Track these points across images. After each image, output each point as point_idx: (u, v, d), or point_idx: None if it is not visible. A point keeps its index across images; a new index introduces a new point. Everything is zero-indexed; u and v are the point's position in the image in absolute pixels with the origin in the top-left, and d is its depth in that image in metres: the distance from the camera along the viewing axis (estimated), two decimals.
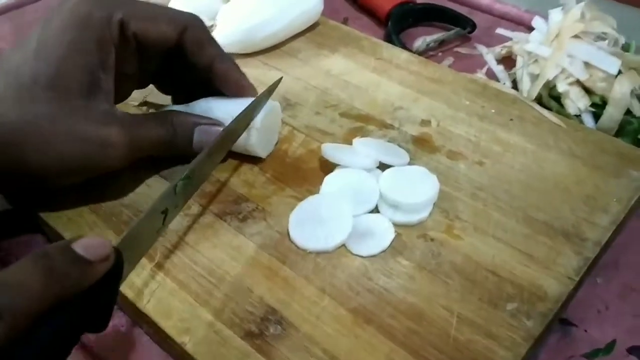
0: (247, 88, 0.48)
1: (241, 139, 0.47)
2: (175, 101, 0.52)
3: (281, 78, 0.51)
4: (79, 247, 0.29)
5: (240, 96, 0.47)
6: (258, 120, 0.46)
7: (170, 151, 0.45)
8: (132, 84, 0.48)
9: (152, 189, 0.47)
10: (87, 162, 0.42)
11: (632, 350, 0.40)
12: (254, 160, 0.49)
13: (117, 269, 0.31)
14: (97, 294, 0.30)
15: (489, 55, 0.65)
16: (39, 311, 0.26)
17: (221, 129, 0.45)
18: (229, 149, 0.47)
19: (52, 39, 0.41)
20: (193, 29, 0.46)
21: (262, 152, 0.48)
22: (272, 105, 0.48)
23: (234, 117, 0.45)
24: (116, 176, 0.45)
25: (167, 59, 0.47)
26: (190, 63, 0.47)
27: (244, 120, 0.46)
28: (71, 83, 0.41)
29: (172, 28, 0.45)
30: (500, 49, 0.65)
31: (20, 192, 0.47)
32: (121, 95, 0.47)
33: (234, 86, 0.47)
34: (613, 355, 0.40)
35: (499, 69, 0.63)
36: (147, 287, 0.40)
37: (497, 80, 0.62)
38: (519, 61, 0.60)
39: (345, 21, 0.72)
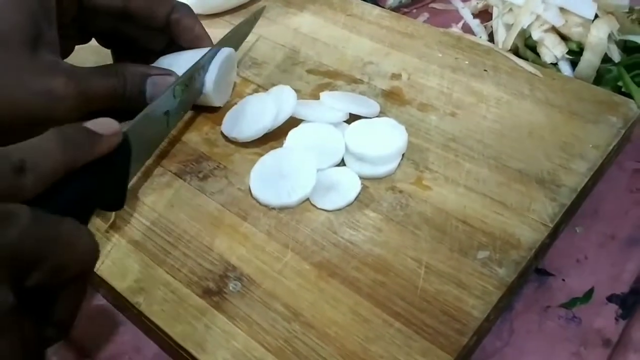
0: (203, 36, 0.46)
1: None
2: (117, 54, 0.51)
3: (264, 7, 0.53)
4: (89, 125, 0.33)
5: (196, 46, 0.46)
6: (212, 69, 0.46)
7: (122, 103, 0.43)
8: (73, 40, 0.47)
9: None
10: (34, 114, 0.40)
11: (611, 298, 0.39)
12: (218, 119, 0.47)
13: (125, 150, 0.35)
14: (109, 171, 0.34)
15: (465, 10, 0.63)
16: (59, 172, 0.30)
17: (174, 78, 0.43)
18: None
19: None
20: None
21: (218, 102, 0.48)
22: (227, 52, 0.47)
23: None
24: None
25: (113, 19, 0.46)
26: (140, 24, 0.46)
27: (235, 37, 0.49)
28: (14, 34, 0.39)
29: None
30: (476, 3, 0.63)
31: None
32: (64, 50, 0.45)
33: (189, 34, 0.46)
34: (591, 303, 0.38)
35: (475, 23, 0.61)
36: (102, 249, 0.38)
37: (473, 34, 0.60)
38: (495, 12, 0.58)
39: None
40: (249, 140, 0.44)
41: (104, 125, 0.34)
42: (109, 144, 0.34)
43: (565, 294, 0.39)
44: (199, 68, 0.45)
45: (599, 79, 0.52)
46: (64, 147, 0.31)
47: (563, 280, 0.40)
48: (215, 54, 0.46)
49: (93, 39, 0.49)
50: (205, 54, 0.45)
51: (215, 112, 0.48)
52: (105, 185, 0.34)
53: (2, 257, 0.24)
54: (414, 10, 0.65)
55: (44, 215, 0.27)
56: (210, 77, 0.46)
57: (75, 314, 0.30)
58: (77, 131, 0.32)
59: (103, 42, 0.50)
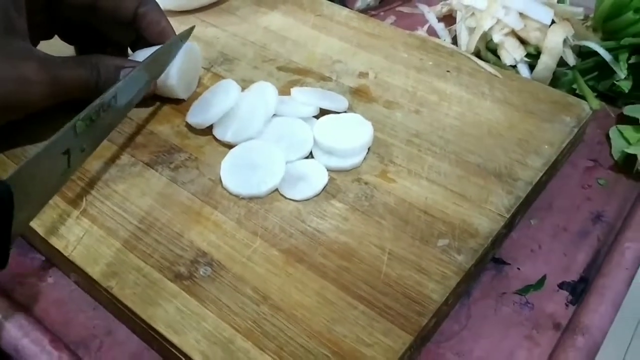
0: (169, 31, 0.48)
1: (160, 81, 0.47)
2: (82, 51, 0.51)
3: (193, 27, 0.51)
4: None
5: (161, 40, 0.47)
6: (177, 61, 0.47)
7: (95, 94, 0.44)
8: (39, 33, 0.47)
9: None
10: (6, 99, 0.40)
11: (562, 285, 0.41)
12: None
13: (4, 203, 0.29)
14: None
15: (430, 14, 0.65)
16: None
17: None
18: (138, 94, 0.45)
19: None
20: None
21: (182, 94, 0.49)
22: (190, 46, 0.49)
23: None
24: (39, 120, 0.43)
25: (79, 14, 0.47)
26: (106, 19, 0.47)
27: (156, 63, 0.46)
28: None
29: None
30: (441, 7, 0.65)
31: None
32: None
33: (155, 28, 0.47)
34: (544, 290, 0.41)
35: (439, 27, 0.63)
36: (73, 235, 0.38)
37: (438, 37, 0.62)
38: (458, 16, 0.60)
39: None
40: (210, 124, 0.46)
41: None
42: None
43: (519, 282, 0.41)
44: (105, 103, 0.40)
45: (555, 81, 0.55)
46: None
47: (518, 268, 0.42)
48: (170, 50, 0.47)
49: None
50: (158, 50, 0.46)
51: (181, 104, 0.49)
52: None
53: None
54: (382, 13, 0.67)
55: None
56: (174, 69, 0.47)
57: None
58: None
59: (67, 39, 0.51)
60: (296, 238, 0.38)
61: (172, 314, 0.34)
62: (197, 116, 0.46)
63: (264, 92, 0.47)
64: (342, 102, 0.47)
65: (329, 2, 0.62)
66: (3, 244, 0.30)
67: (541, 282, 0.41)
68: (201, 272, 0.36)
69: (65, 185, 0.39)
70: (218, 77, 0.52)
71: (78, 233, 0.39)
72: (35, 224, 0.39)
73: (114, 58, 0.46)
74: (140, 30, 0.48)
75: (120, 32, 0.50)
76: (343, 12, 0.61)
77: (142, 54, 0.47)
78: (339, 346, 0.33)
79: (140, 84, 0.44)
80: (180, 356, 0.33)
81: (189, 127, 0.47)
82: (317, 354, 0.32)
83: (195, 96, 0.49)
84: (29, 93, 0.41)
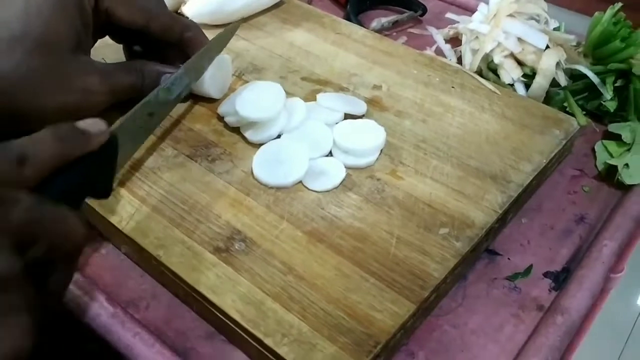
0: None
1: (197, 84, 0.54)
2: (129, 50, 0.57)
3: (238, 25, 0.59)
4: (81, 124, 0.37)
5: None
6: (210, 67, 0.54)
7: (139, 96, 0.50)
8: (96, 38, 0.53)
9: None
10: (72, 108, 0.47)
11: (546, 274, 0.47)
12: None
13: (112, 146, 0.39)
14: (98, 164, 0.38)
15: (438, 36, 0.72)
16: (54, 164, 0.34)
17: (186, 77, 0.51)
18: (190, 83, 0.52)
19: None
20: (159, 18, 0.52)
21: (216, 95, 0.56)
22: (221, 56, 0.56)
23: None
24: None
25: (134, 31, 0.53)
26: (157, 37, 0.53)
27: (199, 61, 0.53)
28: (60, 39, 0.46)
29: (140, 16, 0.51)
30: (448, 30, 0.72)
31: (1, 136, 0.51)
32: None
33: (199, 48, 0.53)
34: (530, 277, 0.47)
35: (446, 47, 0.70)
36: (126, 212, 0.45)
37: (445, 57, 0.69)
38: (464, 39, 0.67)
39: (309, 2, 0.78)
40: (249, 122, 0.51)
41: (93, 124, 0.38)
42: (97, 140, 0.37)
43: (509, 270, 0.47)
44: (180, 75, 0.49)
45: (548, 100, 0.61)
46: (59, 143, 0.35)
47: (509, 259, 0.48)
48: (208, 52, 0.54)
49: None
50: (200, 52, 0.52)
51: (216, 106, 0.55)
52: (94, 176, 0.38)
53: (9, 230, 0.29)
54: (394, 34, 0.74)
55: (43, 201, 0.31)
56: (207, 74, 0.54)
57: (66, 286, 0.34)
58: (70, 129, 0.37)
59: (116, 40, 0.57)
60: (317, 222, 0.45)
61: (212, 279, 0.40)
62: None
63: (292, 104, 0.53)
64: (361, 106, 0.54)
65: (348, 22, 0.69)
66: (110, 178, 0.40)
67: (528, 270, 0.47)
68: (236, 247, 0.42)
69: (144, 141, 0.48)
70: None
71: (130, 211, 0.45)
72: (92, 202, 0.45)
73: (155, 64, 0.53)
74: (186, 50, 0.54)
75: (166, 48, 0.55)
76: (360, 31, 0.67)
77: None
78: (353, 310, 0.39)
79: (183, 85, 0.51)
80: (219, 314, 0.39)
81: (223, 126, 0.53)
82: (335, 315, 0.38)
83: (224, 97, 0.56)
84: (91, 101, 0.48)
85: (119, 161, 0.41)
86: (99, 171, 0.39)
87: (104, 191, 0.40)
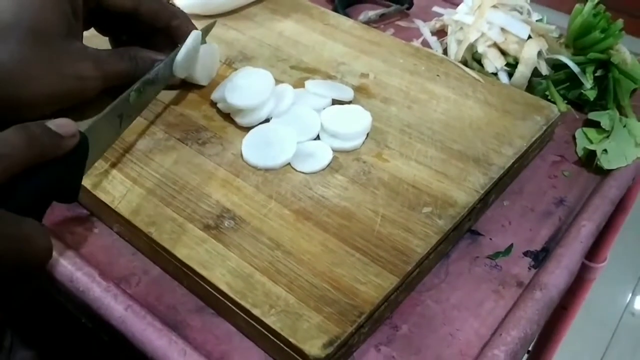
0: None
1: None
2: (115, 41, 0.58)
3: (214, 22, 0.61)
4: (52, 125, 0.36)
5: None
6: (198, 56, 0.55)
7: (131, 82, 0.51)
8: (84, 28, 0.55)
9: None
10: (65, 94, 0.48)
11: (526, 253, 0.49)
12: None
13: (83, 148, 0.39)
14: (67, 167, 0.37)
15: (425, 28, 0.73)
16: (21, 167, 0.33)
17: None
18: (170, 76, 0.53)
19: None
20: (148, 2, 0.53)
21: (203, 81, 0.57)
22: (209, 44, 0.57)
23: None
24: (81, 105, 0.51)
25: (122, 17, 0.54)
26: (145, 24, 0.54)
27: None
28: (51, 27, 0.47)
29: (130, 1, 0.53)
30: (434, 23, 0.74)
31: None
32: None
33: (185, 36, 0.54)
34: (511, 256, 0.48)
35: (432, 39, 0.72)
36: (118, 192, 0.46)
37: (431, 49, 0.70)
38: (449, 30, 0.69)
39: None
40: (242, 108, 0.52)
41: (64, 126, 0.36)
42: (68, 144, 0.37)
43: (491, 249, 0.49)
44: (150, 79, 0.49)
45: (531, 89, 0.63)
46: (28, 144, 0.33)
47: (490, 239, 0.49)
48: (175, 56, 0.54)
49: None
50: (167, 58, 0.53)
51: (205, 92, 0.56)
52: (62, 180, 0.37)
53: None
54: (382, 26, 0.76)
55: (7, 215, 0.30)
56: (196, 61, 0.55)
57: (25, 300, 0.33)
58: (41, 130, 0.35)
59: (102, 31, 0.58)
60: (304, 202, 0.46)
61: (202, 254, 0.42)
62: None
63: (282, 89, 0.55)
64: (348, 92, 0.56)
65: (336, 13, 0.70)
66: (78, 182, 0.39)
67: (509, 249, 0.48)
68: (226, 224, 0.44)
69: (114, 143, 0.48)
70: None
71: (122, 191, 0.46)
72: (85, 183, 0.46)
73: (147, 51, 0.54)
74: (173, 37, 0.55)
75: (153, 35, 0.57)
76: (348, 22, 0.69)
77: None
78: (338, 282, 0.40)
79: (170, 69, 0.53)
80: (209, 287, 0.41)
81: (214, 112, 0.54)
82: (321, 288, 0.40)
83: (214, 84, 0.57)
84: (84, 87, 0.49)
85: (87, 163, 0.40)
86: (67, 174, 0.37)
87: (71, 195, 0.39)
